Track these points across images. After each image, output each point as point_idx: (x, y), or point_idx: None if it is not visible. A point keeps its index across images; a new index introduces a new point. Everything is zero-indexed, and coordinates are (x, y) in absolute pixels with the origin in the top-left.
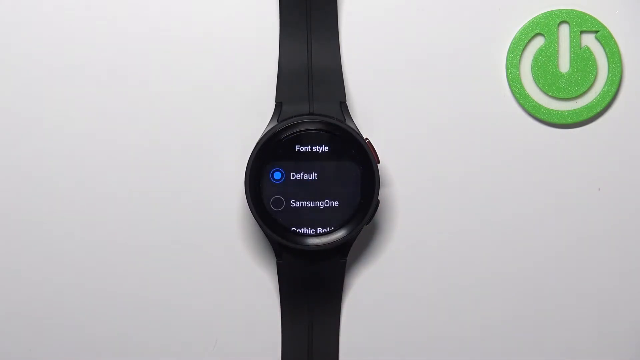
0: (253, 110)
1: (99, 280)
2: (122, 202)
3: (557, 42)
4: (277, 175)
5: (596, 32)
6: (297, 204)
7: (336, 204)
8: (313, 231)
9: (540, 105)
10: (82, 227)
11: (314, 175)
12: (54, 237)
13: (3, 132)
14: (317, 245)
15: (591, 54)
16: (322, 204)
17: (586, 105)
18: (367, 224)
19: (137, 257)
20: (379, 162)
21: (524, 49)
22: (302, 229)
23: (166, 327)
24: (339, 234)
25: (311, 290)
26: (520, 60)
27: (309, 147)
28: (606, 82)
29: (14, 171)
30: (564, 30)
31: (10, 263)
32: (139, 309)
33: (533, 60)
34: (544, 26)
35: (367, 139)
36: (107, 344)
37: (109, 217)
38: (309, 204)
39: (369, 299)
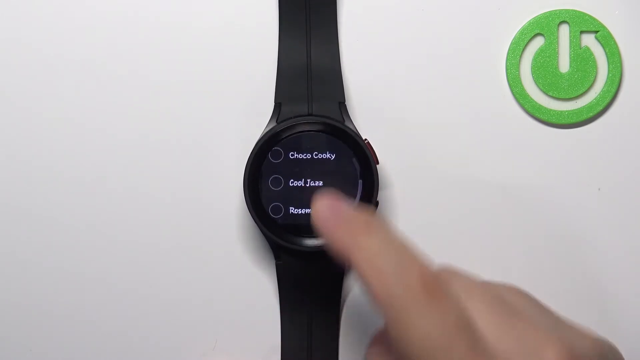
0: (252, 111)
1: (98, 281)
2: (121, 203)
3: (557, 42)
4: (276, 175)
5: (596, 32)
6: (296, 204)
7: None
8: (311, 232)
9: (540, 105)
10: (81, 227)
11: (313, 176)
12: (54, 238)
13: (4, 131)
14: (315, 247)
15: (591, 54)
16: None
17: (586, 105)
18: None
19: (137, 258)
20: (378, 163)
21: (524, 49)
22: (301, 230)
23: (167, 328)
24: None
25: (310, 291)
26: (520, 60)
27: (308, 147)
28: (606, 82)
29: (13, 171)
30: (564, 30)
31: (10, 264)
32: (139, 309)
33: (533, 60)
34: (544, 26)
35: (366, 139)
36: (108, 345)
37: (108, 217)
38: (307, 204)
39: (368, 299)
